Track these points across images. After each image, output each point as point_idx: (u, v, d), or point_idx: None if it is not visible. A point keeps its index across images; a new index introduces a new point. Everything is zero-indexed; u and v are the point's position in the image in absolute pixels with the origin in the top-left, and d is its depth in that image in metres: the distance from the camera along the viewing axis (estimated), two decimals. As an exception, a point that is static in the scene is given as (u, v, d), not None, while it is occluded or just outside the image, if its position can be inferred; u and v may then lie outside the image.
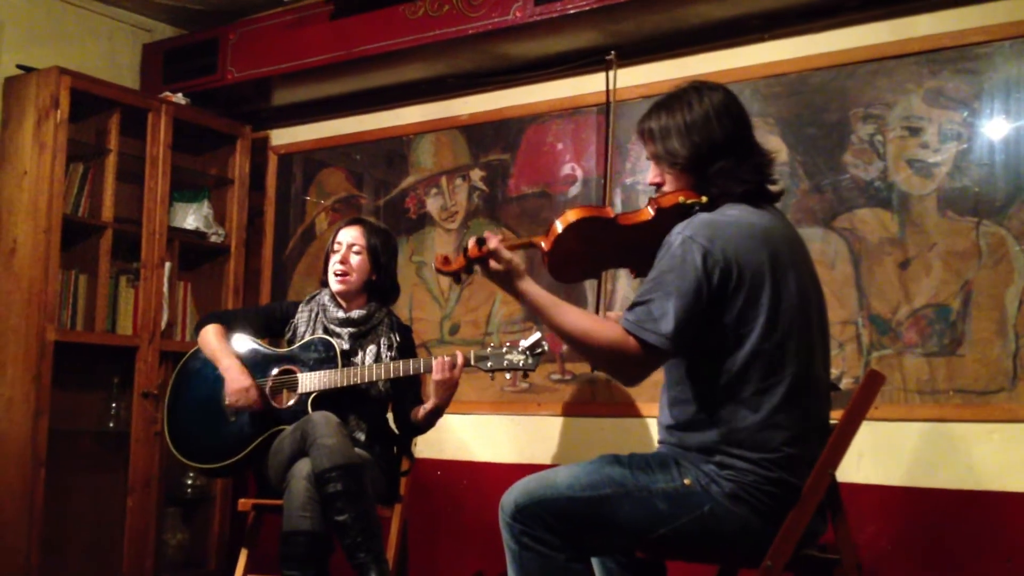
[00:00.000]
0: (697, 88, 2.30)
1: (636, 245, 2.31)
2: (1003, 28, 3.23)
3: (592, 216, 2.28)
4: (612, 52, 2.82)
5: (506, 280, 2.26)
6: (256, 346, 3.47)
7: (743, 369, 2.15)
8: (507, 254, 2.25)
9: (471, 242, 2.26)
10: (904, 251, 3.34)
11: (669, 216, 2.24)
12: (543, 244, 2.28)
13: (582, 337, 2.18)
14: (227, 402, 3.34)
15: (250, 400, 3.31)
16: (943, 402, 3.23)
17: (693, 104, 2.26)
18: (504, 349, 3.15)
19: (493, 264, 2.25)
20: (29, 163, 4.08)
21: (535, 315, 2.28)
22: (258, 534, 3.54)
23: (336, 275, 3.42)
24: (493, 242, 2.25)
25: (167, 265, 4.41)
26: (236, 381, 3.33)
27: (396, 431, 3.49)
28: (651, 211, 2.28)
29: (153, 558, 4.27)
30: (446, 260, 2.32)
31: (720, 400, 2.18)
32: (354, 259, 3.43)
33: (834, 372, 3.36)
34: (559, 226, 2.26)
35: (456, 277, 2.33)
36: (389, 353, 3.42)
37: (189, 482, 4.53)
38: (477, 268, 2.28)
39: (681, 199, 2.24)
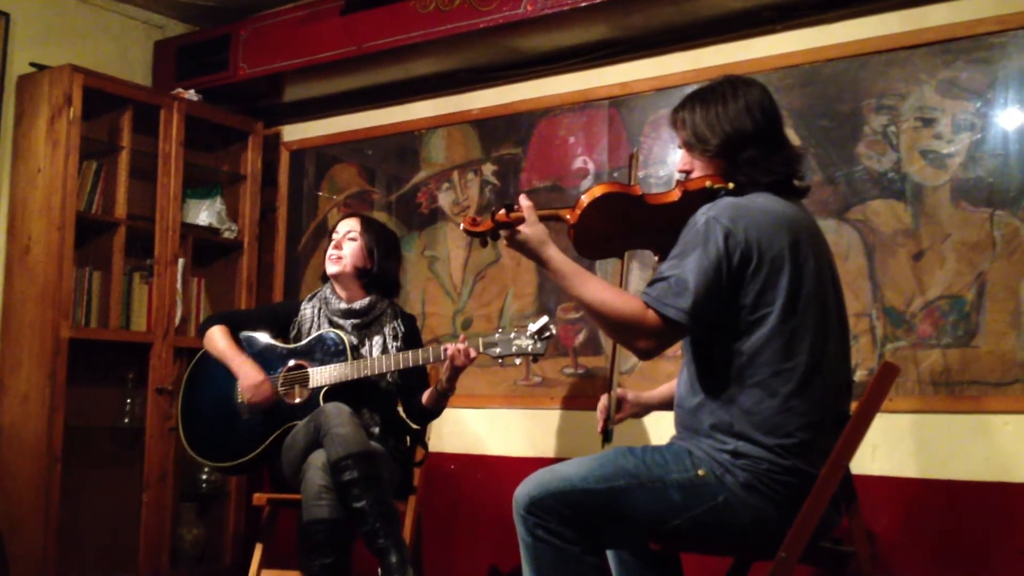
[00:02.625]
0: (733, 82, 2.35)
1: (661, 226, 2.33)
2: (1017, 17, 3.21)
3: (619, 192, 2.31)
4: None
5: (531, 246, 2.29)
6: (267, 342, 3.50)
7: (759, 351, 2.17)
8: (535, 218, 2.29)
9: (501, 208, 2.30)
10: (918, 242, 3.33)
11: (695, 199, 2.28)
12: (569, 217, 2.31)
13: (601, 307, 2.21)
14: (243, 399, 3.36)
15: (265, 394, 3.34)
16: (957, 394, 3.22)
17: (728, 98, 2.31)
18: (512, 334, 3.17)
19: (522, 230, 2.28)
20: (43, 161, 4.10)
21: (557, 283, 2.32)
22: (273, 528, 3.55)
23: (330, 259, 3.49)
24: (527, 202, 2.29)
25: (180, 261, 4.43)
26: (249, 377, 3.35)
27: (410, 421, 3.52)
28: (678, 193, 2.31)
29: (168, 553, 4.29)
30: (475, 221, 2.36)
31: (736, 381, 2.20)
32: (348, 246, 3.49)
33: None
34: (585, 199, 2.29)
35: (482, 240, 2.36)
36: (395, 343, 3.46)
37: (204, 477, 4.54)
38: (502, 235, 2.31)
39: (708, 183, 2.28)
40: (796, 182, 2.34)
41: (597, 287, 2.24)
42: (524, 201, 2.30)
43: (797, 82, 3.58)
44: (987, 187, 3.23)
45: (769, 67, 3.61)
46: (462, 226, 2.38)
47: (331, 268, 3.49)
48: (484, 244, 2.40)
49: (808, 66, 3.57)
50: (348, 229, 3.53)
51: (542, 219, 2.31)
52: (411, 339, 3.52)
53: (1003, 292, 3.18)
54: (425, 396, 3.40)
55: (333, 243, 3.52)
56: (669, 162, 3.77)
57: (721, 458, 2.18)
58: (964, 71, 3.29)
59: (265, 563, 3.49)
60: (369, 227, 3.55)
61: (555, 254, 2.28)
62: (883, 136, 3.42)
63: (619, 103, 3.96)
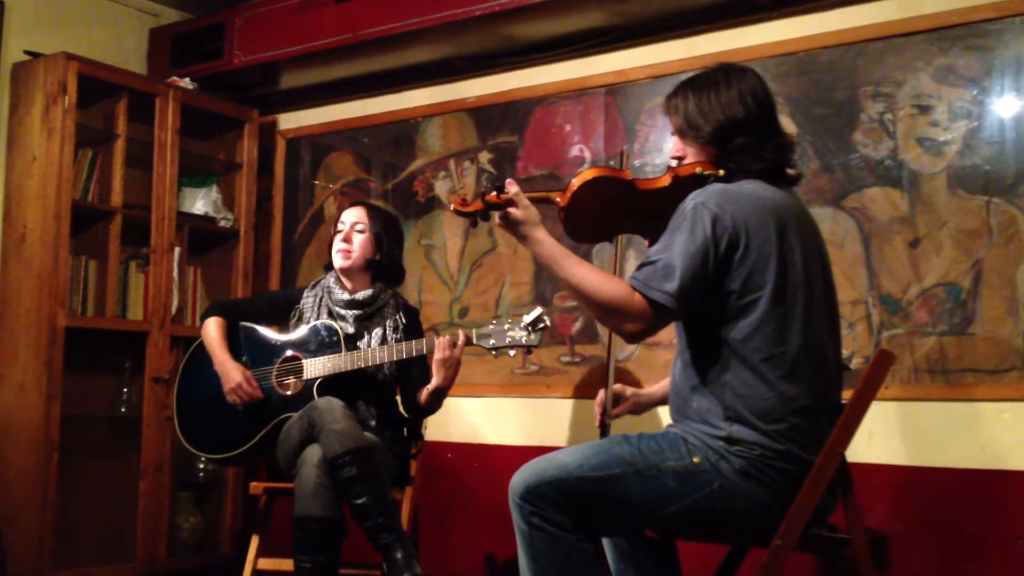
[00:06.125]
0: (726, 70, 2.36)
1: (651, 211, 2.35)
2: (1013, 4, 3.21)
3: (610, 176, 2.34)
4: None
5: (521, 228, 2.30)
6: (263, 333, 3.49)
7: (750, 337, 2.18)
8: (525, 201, 2.30)
9: (492, 191, 2.31)
10: (914, 230, 3.33)
11: (686, 184, 2.29)
12: (559, 199, 2.33)
13: (589, 290, 2.22)
14: (227, 400, 3.36)
15: (245, 394, 3.33)
16: (954, 381, 3.22)
17: (721, 86, 2.32)
18: (506, 325, 3.15)
19: (512, 211, 2.29)
20: (38, 149, 4.09)
21: (544, 266, 2.33)
22: (270, 517, 3.56)
23: (339, 252, 3.45)
24: (513, 188, 2.30)
25: (176, 250, 4.42)
26: (228, 378, 3.36)
27: (404, 414, 3.50)
28: (669, 178, 2.33)
29: (166, 542, 4.29)
30: (464, 201, 2.39)
31: (728, 366, 2.21)
32: (357, 238, 3.46)
33: (844, 352, 3.35)
34: (576, 182, 2.31)
35: (473, 220, 2.38)
36: (395, 335, 3.43)
37: (201, 466, 4.54)
38: (495, 216, 2.33)
39: (699, 169, 2.30)
40: (788, 170, 2.35)
41: (585, 270, 2.25)
42: (511, 187, 2.30)
43: (793, 70, 3.58)
44: (983, 174, 3.23)
45: (765, 55, 3.61)
46: (452, 206, 2.40)
47: (340, 262, 3.45)
48: (474, 224, 2.42)
49: (804, 54, 3.56)
50: (355, 220, 3.49)
51: (533, 201, 2.33)
52: (412, 332, 3.49)
53: (999, 279, 3.18)
54: (423, 394, 3.30)
55: (341, 235, 3.47)
56: (665, 150, 3.76)
57: (716, 445, 2.19)
58: (960, 58, 3.29)
59: (262, 551, 3.50)
60: (376, 216, 3.52)
61: (544, 236, 2.30)
62: (879, 124, 3.41)
63: (615, 91, 3.95)
